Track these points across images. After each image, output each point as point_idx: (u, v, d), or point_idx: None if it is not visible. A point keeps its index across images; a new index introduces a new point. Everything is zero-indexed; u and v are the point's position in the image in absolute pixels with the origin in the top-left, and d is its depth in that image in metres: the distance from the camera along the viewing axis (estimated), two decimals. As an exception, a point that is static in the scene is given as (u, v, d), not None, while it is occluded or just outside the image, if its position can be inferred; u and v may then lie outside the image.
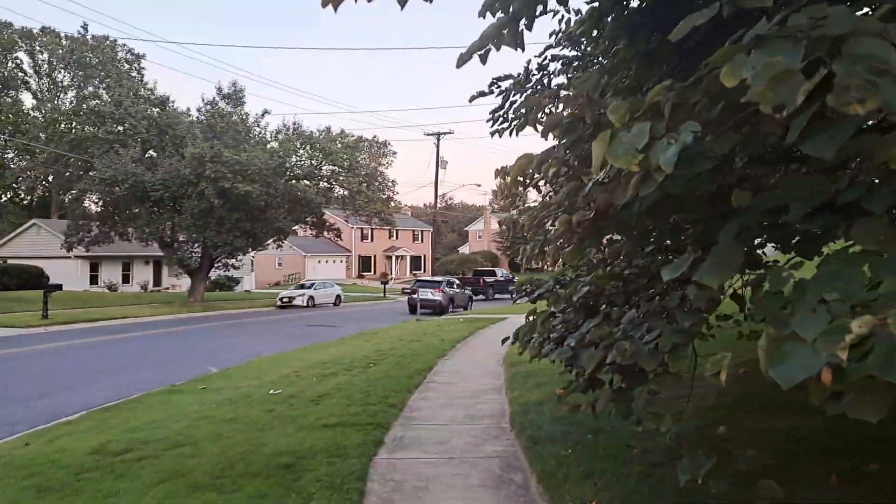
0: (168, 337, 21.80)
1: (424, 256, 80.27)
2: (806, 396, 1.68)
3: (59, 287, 34.53)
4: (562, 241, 3.32)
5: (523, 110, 6.62)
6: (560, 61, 6.26)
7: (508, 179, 3.50)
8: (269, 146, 34.80)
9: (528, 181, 3.59)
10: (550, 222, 3.66)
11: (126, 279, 53.69)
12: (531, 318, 4.35)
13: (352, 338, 19.09)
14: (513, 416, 7.14)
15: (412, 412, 7.79)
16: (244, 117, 36.02)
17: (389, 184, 39.49)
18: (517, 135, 7.10)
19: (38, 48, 58.22)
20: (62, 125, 40.36)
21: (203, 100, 36.05)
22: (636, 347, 2.74)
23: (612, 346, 2.94)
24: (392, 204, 42.90)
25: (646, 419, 3.08)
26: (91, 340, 20.23)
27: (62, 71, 54.19)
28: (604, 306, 3.79)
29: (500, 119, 6.67)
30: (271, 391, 9.20)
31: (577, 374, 3.58)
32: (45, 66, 60.46)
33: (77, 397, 10.32)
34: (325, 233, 43.21)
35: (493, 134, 7.06)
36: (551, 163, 3.10)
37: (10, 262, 46.16)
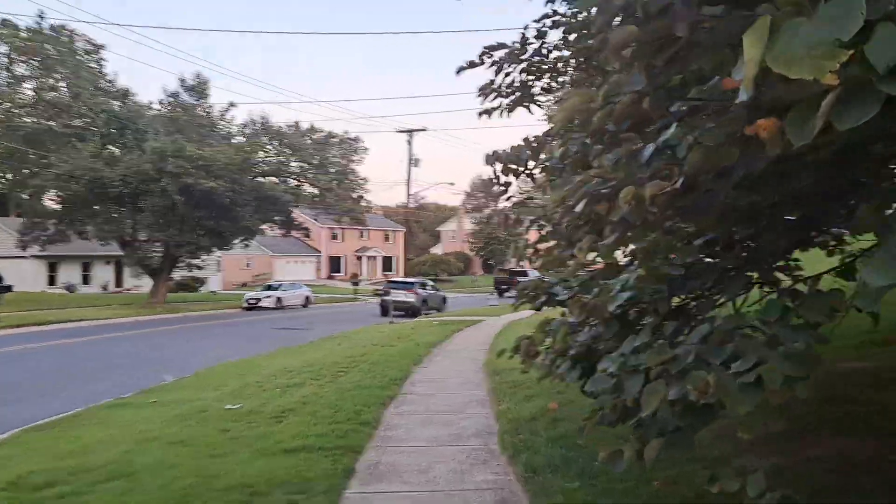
0: (124, 341, 20.54)
1: (396, 257, 79.20)
2: None
3: (9, 288, 32.82)
4: (606, 228, 2.48)
5: (518, 83, 5.81)
6: (562, 28, 5.44)
7: (554, 124, 2.64)
8: (234, 141, 33.49)
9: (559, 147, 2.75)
10: (581, 204, 2.80)
11: (86, 280, 51.75)
12: (544, 329, 3.50)
13: (321, 342, 18.09)
14: (503, 436, 6.30)
15: (387, 431, 6.90)
16: (209, 110, 34.68)
17: (360, 181, 38.49)
18: (509, 115, 6.28)
19: None
20: (21, 119, 38.54)
21: (165, 92, 34.57)
22: (722, 381, 1.92)
23: (678, 377, 2.11)
24: (363, 203, 41.88)
25: (725, 477, 2.25)
26: (39, 345, 18.89)
27: (22, 64, 52.14)
28: (649, 318, 2.95)
29: (493, 94, 5.83)
30: (229, 405, 8.23)
31: (612, 404, 2.73)
32: (5, 59, 58.21)
33: (7, 413, 9.20)
34: (294, 232, 42.04)
35: (481, 114, 6.22)
36: (625, 101, 2.22)
37: (-40, 261, 44.06)
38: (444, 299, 36.05)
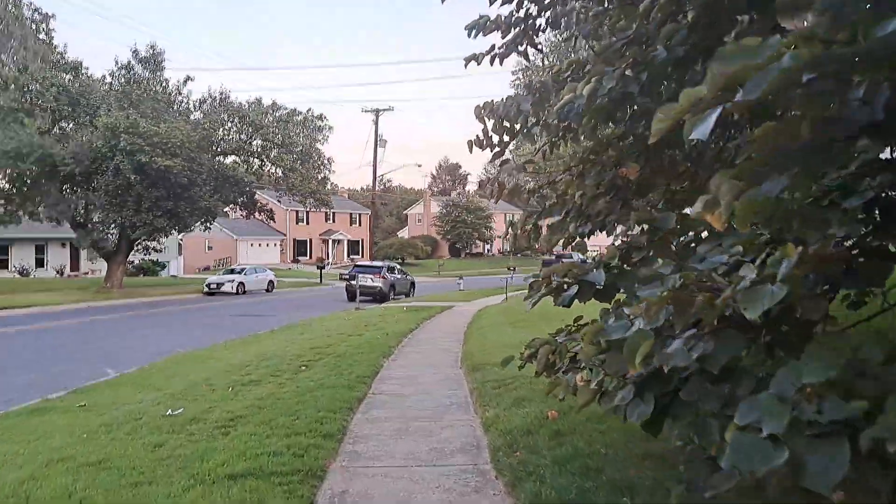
0: (71, 330, 19.05)
1: (362, 240, 77.77)
2: None
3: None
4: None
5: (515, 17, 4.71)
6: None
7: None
8: (192, 117, 31.73)
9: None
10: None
11: (40, 263, 49.49)
12: (594, 340, 2.46)
13: (283, 330, 16.90)
14: (496, 454, 5.26)
15: (356, 444, 5.82)
16: (164, 84, 32.77)
17: (326, 162, 36.99)
18: (501, 63, 5.19)
19: None
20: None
21: (117, 63, 32.52)
22: None
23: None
24: (329, 185, 40.38)
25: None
26: (-23, 334, 17.37)
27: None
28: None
29: (483, 31, 4.73)
30: (169, 411, 7.06)
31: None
32: None
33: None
34: (257, 214, 40.40)
35: (468, 61, 5.12)
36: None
37: None
38: (412, 284, 34.97)
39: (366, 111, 53.54)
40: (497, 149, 4.87)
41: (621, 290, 3.05)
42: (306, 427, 6.16)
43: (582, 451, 4.81)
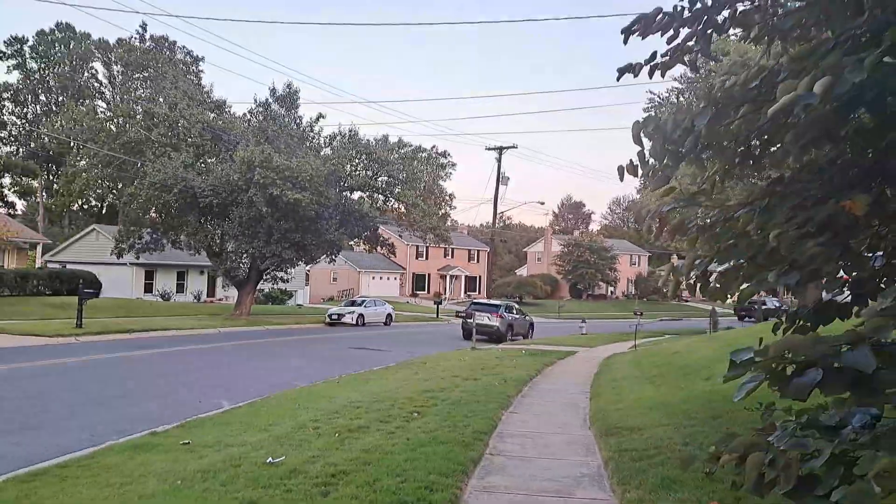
0: (196, 354, 19.56)
1: (480, 277, 77.33)
2: None
3: (94, 294, 33.19)
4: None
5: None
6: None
7: None
8: (322, 153, 32.70)
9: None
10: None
11: (180, 288, 52.83)
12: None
13: (397, 368, 16.35)
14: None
15: (470, 523, 4.91)
16: (298, 121, 34.10)
17: (447, 198, 36.90)
18: (663, 74, 4.25)
19: (112, 58, 58.12)
20: (127, 128, 39.44)
21: (255, 101, 34.26)
22: None
23: None
24: (448, 221, 40.26)
25: None
26: (112, 356, 18.13)
27: (135, 80, 53.91)
28: None
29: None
30: (269, 459, 6.48)
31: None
32: (119, 76, 60.71)
33: (18, 448, 7.85)
34: (379, 248, 40.98)
35: (622, 73, 4.21)
36: None
37: (69, 266, 45.69)
38: (531, 325, 33.77)
39: (489, 149, 53.49)
40: (659, 173, 3.91)
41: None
42: (414, 494, 5.34)
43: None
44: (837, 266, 2.98)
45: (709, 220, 4.05)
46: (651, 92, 40.09)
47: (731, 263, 4.11)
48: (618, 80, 4.48)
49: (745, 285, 3.59)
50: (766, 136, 3.63)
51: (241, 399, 11.77)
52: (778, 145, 3.68)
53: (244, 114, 34.89)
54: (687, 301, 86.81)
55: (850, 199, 3.00)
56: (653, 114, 39.65)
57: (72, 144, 43.80)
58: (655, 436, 7.38)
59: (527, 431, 8.53)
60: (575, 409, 10.50)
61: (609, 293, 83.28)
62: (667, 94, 38.52)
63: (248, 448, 7.11)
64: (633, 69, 4.27)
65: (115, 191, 58.94)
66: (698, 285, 4.28)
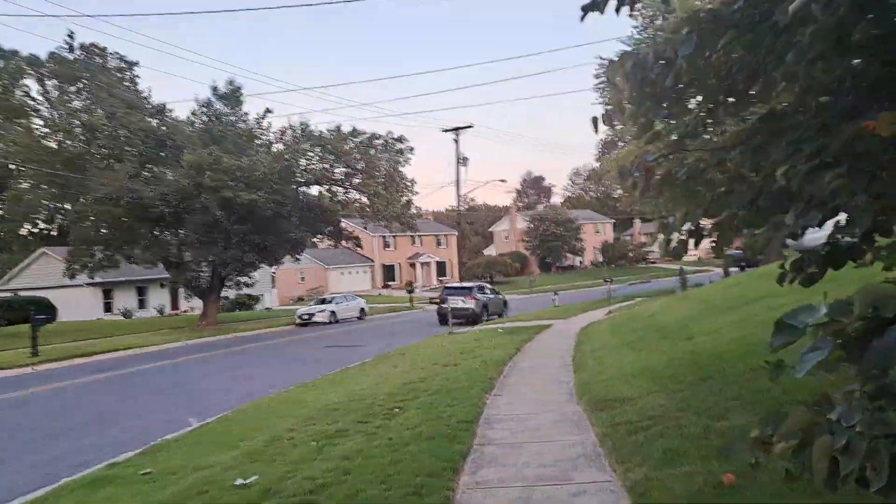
0: (162, 371, 18.74)
1: (450, 261, 77.02)
2: None
3: (50, 319, 31.92)
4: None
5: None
6: None
7: None
8: (273, 149, 31.71)
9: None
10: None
11: (142, 304, 51.37)
12: None
13: (375, 362, 15.83)
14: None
15: (466, 528, 4.45)
16: (244, 118, 33.01)
17: (408, 184, 36.25)
18: (632, 8, 3.77)
19: (45, 73, 55.21)
20: (63, 144, 37.74)
21: (197, 101, 33.05)
22: None
23: None
24: (413, 208, 39.62)
25: None
26: (73, 382, 17.25)
27: (70, 94, 51.44)
28: None
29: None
30: (240, 480, 5.93)
31: None
32: (55, 91, 57.74)
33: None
34: (344, 243, 40.18)
35: (586, 11, 3.71)
36: None
37: (21, 293, 43.93)
38: (505, 303, 33.48)
39: (445, 130, 52.77)
40: (641, 120, 3.45)
41: None
42: (401, 503, 4.84)
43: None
44: (867, 199, 2.53)
45: (701, 166, 3.60)
46: (601, 56, 39.71)
47: (727, 213, 3.68)
48: (582, 19, 3.93)
49: (757, 232, 3.15)
50: (758, 64, 3.17)
51: (211, 414, 11.15)
52: (772, 73, 3.23)
53: (187, 117, 33.65)
54: (654, 263, 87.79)
55: (871, 119, 2.57)
56: (605, 79, 39.31)
57: (11, 167, 41.94)
58: (647, 405, 7.01)
59: (514, 414, 8.10)
60: (559, 384, 10.11)
61: (577, 263, 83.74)
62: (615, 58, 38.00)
63: (217, 470, 6.53)
64: (598, 6, 3.78)
65: (62, 211, 56.87)
66: (691, 241, 3.86)
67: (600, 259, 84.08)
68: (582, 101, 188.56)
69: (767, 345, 7.71)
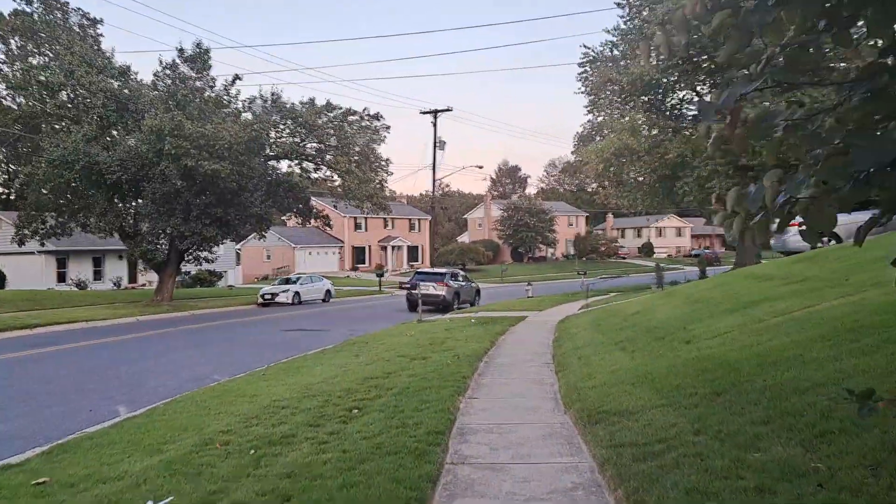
0: (105, 349, 17.25)
1: (422, 247, 75.75)
2: None
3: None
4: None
5: None
6: None
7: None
8: (241, 119, 29.98)
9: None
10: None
11: (98, 275, 49.24)
12: None
13: (336, 350, 14.56)
14: None
15: None
16: (212, 84, 31.17)
17: (383, 164, 34.81)
18: None
19: (7, 30, 51.93)
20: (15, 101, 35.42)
21: (161, 63, 31.10)
22: None
23: None
24: (386, 189, 38.18)
25: None
26: (7, 357, 15.70)
27: (32, 52, 48.65)
28: None
29: None
30: (149, 503, 4.66)
31: None
32: (17, 51, 54.45)
33: None
34: (314, 221, 38.63)
35: None
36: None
37: (-29, 260, 41.65)
38: (477, 291, 32.40)
39: (424, 112, 51.34)
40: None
41: None
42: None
43: None
44: None
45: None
46: (585, 46, 38.72)
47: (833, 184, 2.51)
48: None
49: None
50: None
51: (145, 402, 9.86)
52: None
53: (153, 81, 31.67)
54: (624, 258, 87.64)
55: None
56: (588, 69, 38.27)
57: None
58: (654, 422, 5.89)
59: (492, 424, 6.94)
60: (542, 386, 8.98)
61: (549, 255, 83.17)
62: (601, 48, 37.17)
63: (126, 484, 5.25)
64: None
65: (20, 174, 54.07)
66: (777, 221, 2.68)
67: (572, 252, 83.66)
68: (562, 91, 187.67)
69: (790, 357, 6.40)
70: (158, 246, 31.00)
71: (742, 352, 7.44)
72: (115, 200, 31.41)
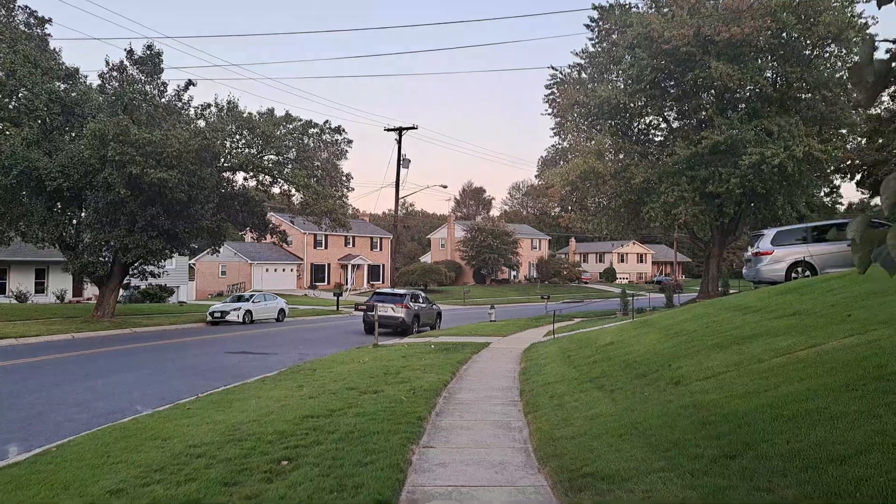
0: (20, 371, 15.43)
1: (383, 266, 74.21)
2: None
3: None
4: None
5: None
6: None
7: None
8: (193, 126, 28.33)
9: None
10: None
11: (40, 288, 46.55)
12: None
13: (277, 379, 13.07)
14: None
15: None
16: (162, 88, 29.47)
17: (344, 179, 33.44)
18: None
19: None
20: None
21: (108, 64, 29.31)
22: None
23: None
24: (348, 206, 36.72)
25: None
26: None
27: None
28: None
29: None
30: None
31: None
32: None
33: None
34: (269, 237, 36.94)
35: None
36: None
37: None
38: (439, 314, 31.07)
39: (388, 129, 50.20)
40: None
41: None
42: None
43: None
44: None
45: None
46: (553, 67, 38.13)
47: None
48: None
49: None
50: None
51: (42, 441, 8.33)
52: None
53: (101, 84, 29.85)
54: (586, 283, 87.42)
55: None
56: (555, 90, 37.71)
57: None
58: (655, 493, 4.68)
59: (450, 486, 5.64)
60: (509, 432, 7.73)
61: (512, 277, 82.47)
62: (569, 70, 36.65)
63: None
64: None
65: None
66: None
67: (535, 274, 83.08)
68: (528, 112, 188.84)
69: (811, 410, 4.95)
70: (101, 258, 28.98)
71: (747, 400, 6.31)
72: (56, 209, 29.35)
